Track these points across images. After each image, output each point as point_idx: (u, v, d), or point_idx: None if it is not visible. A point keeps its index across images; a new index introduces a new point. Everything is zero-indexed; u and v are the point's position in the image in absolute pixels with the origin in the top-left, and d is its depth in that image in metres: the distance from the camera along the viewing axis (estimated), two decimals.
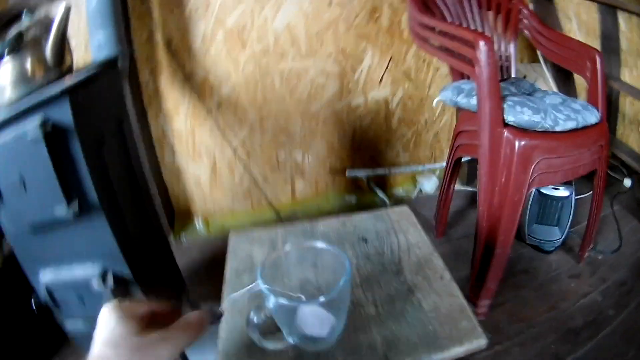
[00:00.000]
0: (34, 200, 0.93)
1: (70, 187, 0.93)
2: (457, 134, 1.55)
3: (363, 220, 1.12)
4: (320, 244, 0.79)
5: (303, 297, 0.79)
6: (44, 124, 0.86)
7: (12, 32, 0.91)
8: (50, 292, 1.06)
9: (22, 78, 0.92)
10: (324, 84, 1.81)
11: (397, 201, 2.15)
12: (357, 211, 1.96)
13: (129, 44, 1.45)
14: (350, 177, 2.07)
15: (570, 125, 1.22)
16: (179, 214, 1.94)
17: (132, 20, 1.47)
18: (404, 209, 1.14)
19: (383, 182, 2.14)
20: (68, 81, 0.94)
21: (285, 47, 1.69)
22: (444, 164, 2.04)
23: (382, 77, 1.90)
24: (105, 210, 0.98)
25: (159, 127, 1.69)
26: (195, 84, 1.64)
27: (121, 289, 1.05)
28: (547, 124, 1.20)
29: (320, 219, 1.13)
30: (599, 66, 1.33)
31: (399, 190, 2.18)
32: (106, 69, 1.14)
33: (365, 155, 2.06)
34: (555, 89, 1.84)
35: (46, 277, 1.05)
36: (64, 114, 0.88)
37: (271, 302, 0.67)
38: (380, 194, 2.11)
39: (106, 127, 1.12)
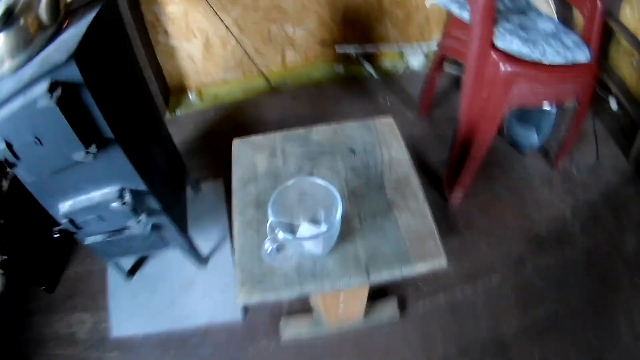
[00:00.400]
0: (51, 152, 0.96)
1: (86, 132, 0.96)
2: (447, 34, 1.59)
3: (352, 129, 1.24)
4: (318, 181, 0.93)
5: (301, 220, 0.97)
6: (52, 89, 0.85)
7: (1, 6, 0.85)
8: (71, 220, 1.14)
9: (18, 45, 0.88)
10: None
11: (385, 75, 2.23)
12: (344, 81, 2.05)
13: None
14: (340, 52, 2.11)
15: (558, 60, 1.27)
16: (174, 91, 2.01)
17: None
18: (390, 121, 1.26)
19: (371, 56, 2.19)
20: (70, 38, 0.91)
21: None
22: (432, 44, 2.09)
23: None
24: (120, 142, 1.04)
25: (152, 13, 1.67)
26: None
27: (138, 202, 1.18)
28: (535, 57, 1.25)
29: (315, 127, 1.25)
30: (599, 11, 1.31)
31: (387, 64, 2.24)
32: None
33: (355, 30, 2.07)
34: (553, 8, 1.77)
35: (66, 207, 1.13)
36: (71, 74, 0.88)
37: (281, 236, 0.85)
38: (368, 67, 2.18)
39: (110, 54, 1.13)
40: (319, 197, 0.96)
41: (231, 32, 1.84)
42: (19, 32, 0.88)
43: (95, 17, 1.01)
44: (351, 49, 2.10)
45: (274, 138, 1.23)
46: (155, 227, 1.33)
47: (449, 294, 1.51)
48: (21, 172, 1.02)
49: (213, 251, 1.63)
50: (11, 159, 0.96)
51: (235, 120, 2.02)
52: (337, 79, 2.17)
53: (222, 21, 1.79)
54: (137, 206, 1.20)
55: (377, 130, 1.24)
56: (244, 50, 1.93)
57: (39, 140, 0.94)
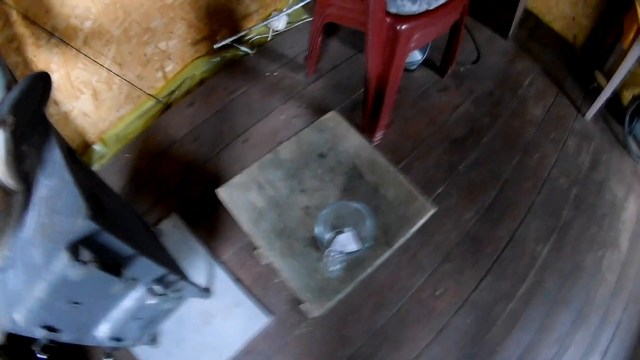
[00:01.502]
0: (88, 303, 1.03)
1: (116, 266, 1.03)
2: (325, 5, 1.89)
3: (309, 135, 1.54)
4: (351, 204, 1.27)
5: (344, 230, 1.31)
6: (76, 254, 0.85)
7: None
8: (114, 337, 1.24)
9: None
10: None
11: (258, 47, 2.48)
12: (225, 69, 2.39)
13: None
14: (219, 47, 2.31)
15: (442, 1, 1.63)
16: (80, 151, 2.09)
17: None
18: (334, 115, 1.59)
19: (241, 37, 2.42)
20: (60, 194, 0.88)
21: None
22: (290, 3, 2.39)
23: None
24: (141, 251, 1.09)
25: None
26: (59, 34, 1.64)
27: (164, 285, 1.34)
28: (423, 8, 1.60)
29: (279, 146, 1.54)
30: None
31: (256, 37, 2.49)
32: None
33: (219, 18, 2.26)
34: None
35: (104, 331, 1.21)
36: (88, 229, 0.87)
37: (339, 258, 1.21)
38: (243, 48, 2.42)
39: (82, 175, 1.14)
40: (340, 210, 1.31)
41: (112, 72, 1.95)
42: None
43: (63, 156, 0.97)
44: (226, 41, 2.31)
45: (251, 172, 1.49)
46: (176, 293, 1.56)
47: None
48: (63, 338, 1.06)
49: (209, 278, 1.86)
50: (54, 337, 1.00)
51: (149, 153, 2.17)
52: (217, 70, 2.37)
53: (102, 65, 1.90)
54: (164, 288, 1.38)
55: (329, 127, 1.57)
56: (128, 82, 2.06)
57: (76, 303, 1.00)
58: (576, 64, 2.40)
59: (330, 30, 2.50)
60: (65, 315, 1.00)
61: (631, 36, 1.91)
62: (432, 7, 1.66)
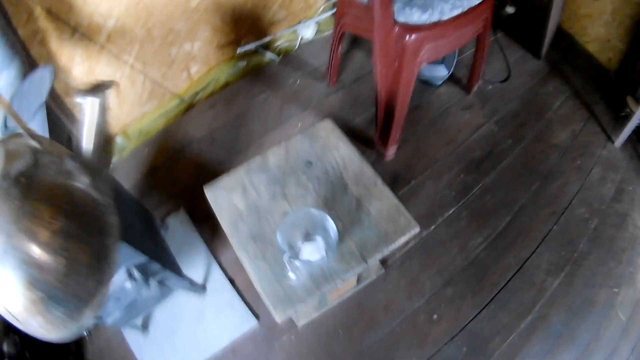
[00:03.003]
0: None
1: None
2: (342, 12, 1.90)
3: (300, 143, 1.55)
4: (313, 212, 1.28)
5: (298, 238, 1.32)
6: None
7: None
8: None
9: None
10: None
11: (285, 54, 2.53)
12: (250, 74, 2.43)
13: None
14: (242, 52, 2.38)
15: (457, 12, 1.55)
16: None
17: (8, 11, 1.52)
18: (329, 124, 1.60)
19: (268, 43, 2.49)
20: None
21: None
22: (319, 10, 2.43)
23: None
24: (125, 239, 1.25)
25: (60, 83, 1.86)
26: (82, 30, 1.76)
27: (143, 272, 1.43)
28: (435, 19, 1.53)
29: (268, 152, 1.57)
30: None
31: (283, 44, 2.54)
32: None
33: (247, 23, 2.33)
34: None
35: None
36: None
37: (298, 264, 1.21)
38: (268, 54, 2.48)
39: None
40: (308, 218, 1.32)
41: (136, 69, 2.07)
42: None
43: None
44: (250, 46, 2.38)
45: (238, 173, 1.52)
46: (161, 283, 1.63)
47: (418, 237, 1.93)
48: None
49: (206, 276, 1.91)
50: None
51: (167, 150, 2.26)
52: (242, 75, 2.45)
53: (125, 62, 2.01)
54: (144, 275, 1.47)
55: (321, 136, 1.57)
56: (152, 80, 2.17)
57: None
58: (609, 88, 2.26)
59: (356, 41, 2.51)
60: None
61: None
62: (445, 18, 1.58)
